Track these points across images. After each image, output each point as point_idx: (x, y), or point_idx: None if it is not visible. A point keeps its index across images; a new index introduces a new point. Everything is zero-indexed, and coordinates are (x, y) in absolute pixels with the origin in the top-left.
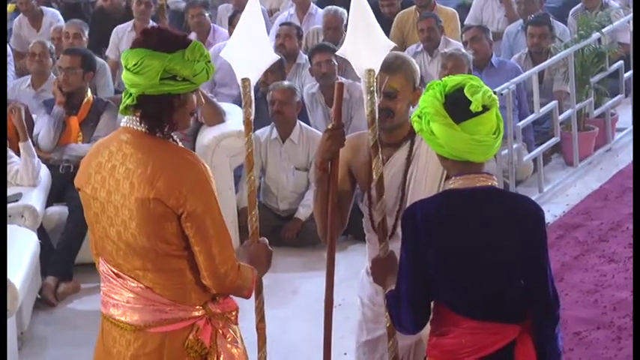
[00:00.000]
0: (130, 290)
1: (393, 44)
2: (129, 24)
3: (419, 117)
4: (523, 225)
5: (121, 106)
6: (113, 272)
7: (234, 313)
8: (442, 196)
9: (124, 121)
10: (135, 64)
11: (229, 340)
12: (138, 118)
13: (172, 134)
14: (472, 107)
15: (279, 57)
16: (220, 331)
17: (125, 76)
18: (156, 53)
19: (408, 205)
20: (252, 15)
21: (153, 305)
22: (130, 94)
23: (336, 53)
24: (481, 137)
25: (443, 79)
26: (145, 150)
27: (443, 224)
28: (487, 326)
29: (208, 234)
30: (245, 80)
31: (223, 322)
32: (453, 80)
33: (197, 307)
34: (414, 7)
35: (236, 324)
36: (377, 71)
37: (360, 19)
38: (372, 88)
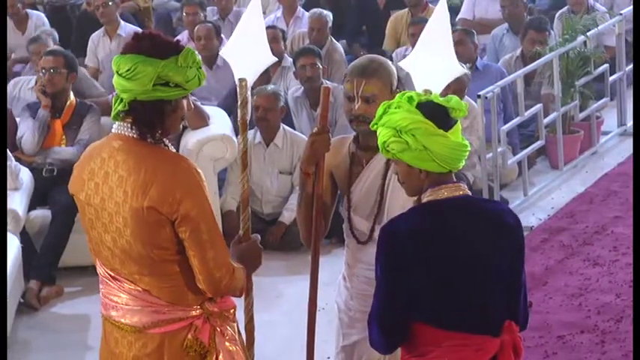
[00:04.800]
0: (128, 292)
1: (464, 71)
2: (101, 30)
3: (397, 136)
4: (504, 234)
5: (113, 112)
6: (110, 275)
7: (232, 311)
8: (423, 210)
9: (115, 127)
10: (127, 70)
11: (227, 338)
12: (129, 124)
13: (164, 139)
14: (455, 114)
15: (277, 59)
16: (219, 330)
17: (117, 81)
18: (149, 59)
19: (386, 209)
20: (253, 16)
21: (151, 307)
22: (122, 100)
23: (399, 64)
24: (464, 142)
25: (404, 92)
26: (137, 157)
27: (430, 238)
28: (472, 342)
29: (202, 239)
30: (242, 80)
31: (221, 320)
32: (414, 93)
33: (195, 307)
34: (406, 9)
35: (234, 321)
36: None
37: (435, 36)
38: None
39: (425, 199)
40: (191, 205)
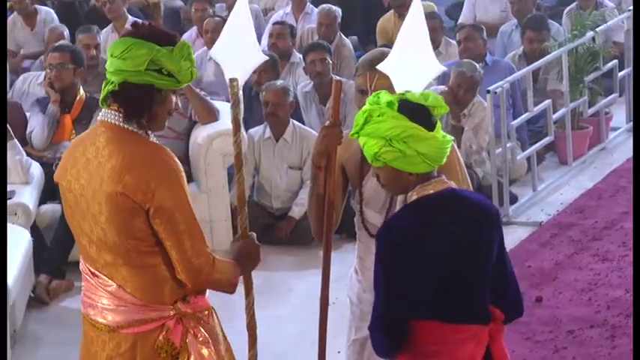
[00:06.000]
0: (104, 290)
1: (444, 69)
2: (110, 26)
3: (389, 146)
4: (490, 225)
5: (102, 94)
6: (90, 271)
7: (206, 313)
8: (414, 207)
9: (101, 114)
10: (123, 51)
11: (200, 340)
12: (115, 111)
13: (147, 129)
14: (437, 112)
15: (267, 58)
16: (192, 331)
17: (110, 63)
18: (145, 42)
19: (397, 202)
20: (240, 15)
21: (125, 306)
22: (112, 82)
23: (377, 67)
24: (446, 138)
25: (375, 95)
26: (116, 143)
27: (422, 234)
28: (470, 333)
29: (179, 229)
30: (233, 80)
31: (195, 322)
32: (390, 95)
33: (168, 306)
34: (392, 10)
35: (208, 323)
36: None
37: (412, 36)
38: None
39: (414, 196)
40: (166, 195)
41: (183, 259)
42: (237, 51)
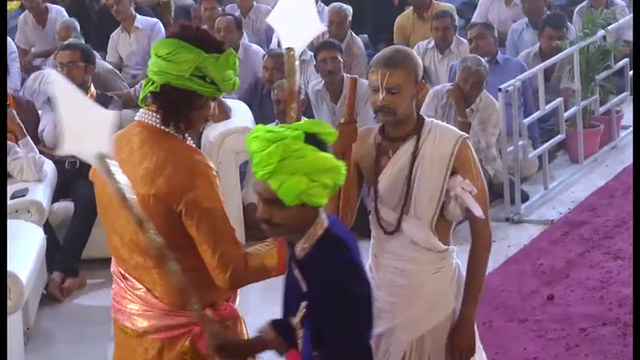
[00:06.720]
0: (133, 294)
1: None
2: (120, 27)
3: (313, 181)
4: None
5: (141, 95)
6: (121, 273)
7: (232, 321)
8: (329, 241)
9: (139, 114)
10: (169, 53)
11: None
12: (153, 112)
13: (184, 133)
14: (329, 139)
15: (326, 28)
16: None
17: (154, 62)
18: (192, 47)
19: (412, 199)
20: None
21: (152, 311)
22: (153, 82)
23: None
24: None
25: (268, 131)
26: (151, 145)
27: (353, 265)
28: None
29: (211, 232)
30: (289, 50)
31: (222, 330)
32: (294, 129)
33: None
34: (411, 8)
35: (236, 331)
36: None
37: None
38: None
39: (318, 231)
40: (199, 198)
41: (215, 262)
42: (295, 19)
